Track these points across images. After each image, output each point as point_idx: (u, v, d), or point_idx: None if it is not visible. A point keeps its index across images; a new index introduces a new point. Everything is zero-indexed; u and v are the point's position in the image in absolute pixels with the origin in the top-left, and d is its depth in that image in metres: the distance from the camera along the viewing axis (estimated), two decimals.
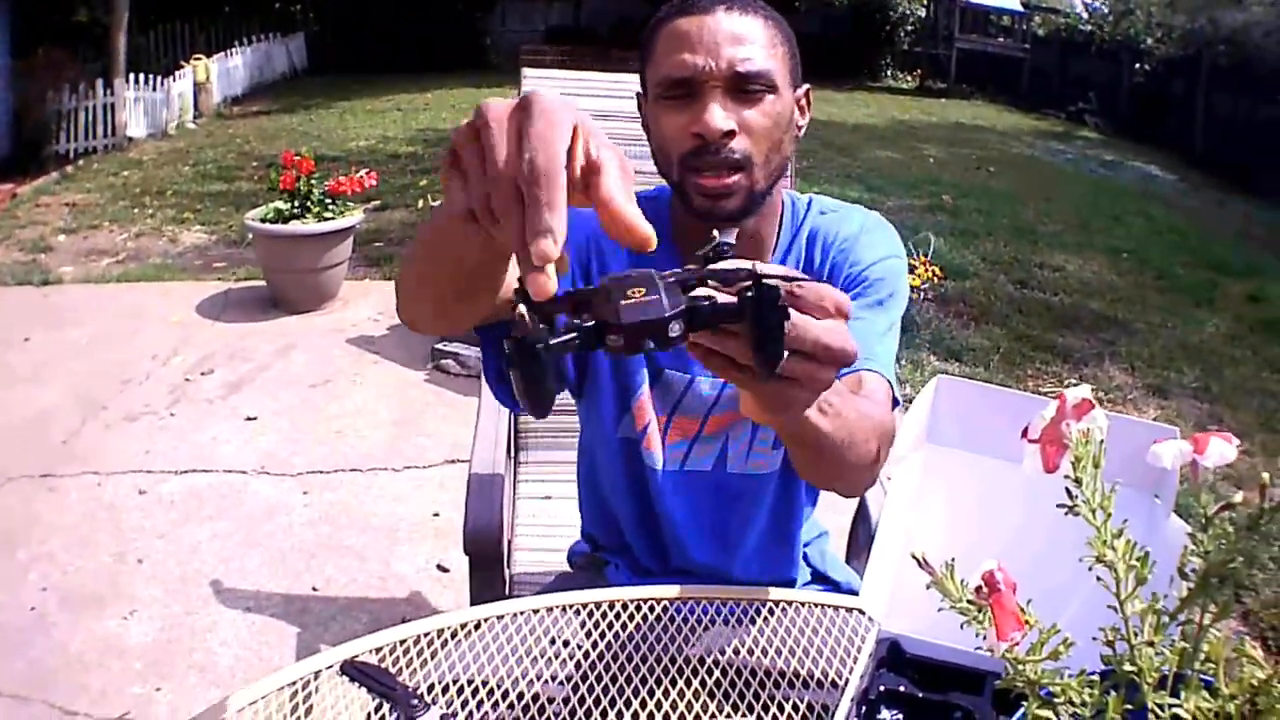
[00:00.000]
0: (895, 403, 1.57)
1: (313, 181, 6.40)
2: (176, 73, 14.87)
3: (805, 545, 1.94)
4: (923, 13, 25.59)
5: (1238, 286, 8.88)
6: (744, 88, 1.49)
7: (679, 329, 0.75)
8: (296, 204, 6.35)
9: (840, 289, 1.63)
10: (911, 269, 6.59)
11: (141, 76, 13.43)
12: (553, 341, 0.72)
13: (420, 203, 9.19)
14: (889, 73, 25.49)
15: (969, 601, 0.81)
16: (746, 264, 0.78)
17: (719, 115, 1.47)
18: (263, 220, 6.36)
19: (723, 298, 0.77)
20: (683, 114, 1.50)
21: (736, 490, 1.77)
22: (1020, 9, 25.13)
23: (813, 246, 1.72)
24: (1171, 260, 9.53)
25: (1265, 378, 6.58)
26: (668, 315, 0.74)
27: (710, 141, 1.47)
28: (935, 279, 6.89)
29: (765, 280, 0.75)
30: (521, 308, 0.74)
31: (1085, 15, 25.40)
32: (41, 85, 12.35)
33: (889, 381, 1.54)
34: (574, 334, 0.73)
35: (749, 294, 0.75)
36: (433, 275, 1.12)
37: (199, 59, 15.71)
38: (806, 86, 1.65)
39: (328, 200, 6.44)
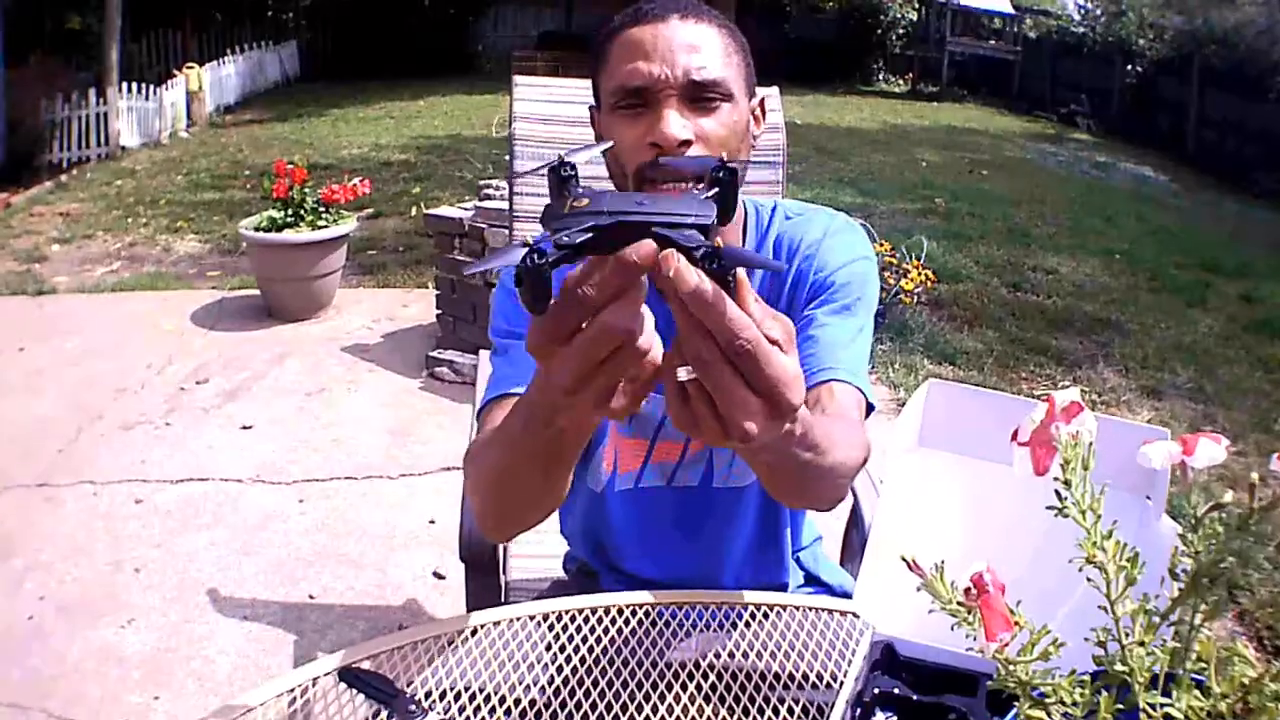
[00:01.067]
0: (870, 408, 1.56)
1: (306, 190, 6.40)
2: (169, 81, 14.86)
3: (801, 549, 1.95)
4: (914, 16, 25.64)
5: (1231, 287, 8.90)
6: (700, 96, 1.48)
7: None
8: (290, 212, 6.35)
9: (807, 295, 1.64)
10: (905, 273, 6.61)
11: (134, 85, 13.43)
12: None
13: (413, 210, 9.21)
14: (881, 76, 25.55)
15: (958, 603, 0.82)
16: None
17: (676, 124, 1.45)
18: (256, 229, 6.36)
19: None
20: (638, 124, 1.48)
21: (723, 502, 1.77)
22: (1011, 11, 25.20)
23: (778, 254, 1.71)
24: (1164, 261, 9.55)
25: (1259, 377, 6.60)
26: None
27: (667, 151, 1.45)
28: (928, 283, 6.89)
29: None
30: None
31: (1078, 17, 25.46)
32: (34, 94, 12.34)
33: (860, 389, 1.54)
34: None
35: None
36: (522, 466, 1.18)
37: (191, 67, 15.71)
38: (762, 96, 1.65)
39: (321, 208, 6.43)
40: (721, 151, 1.48)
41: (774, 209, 1.76)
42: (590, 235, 0.71)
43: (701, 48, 1.49)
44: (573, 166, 0.78)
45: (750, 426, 0.76)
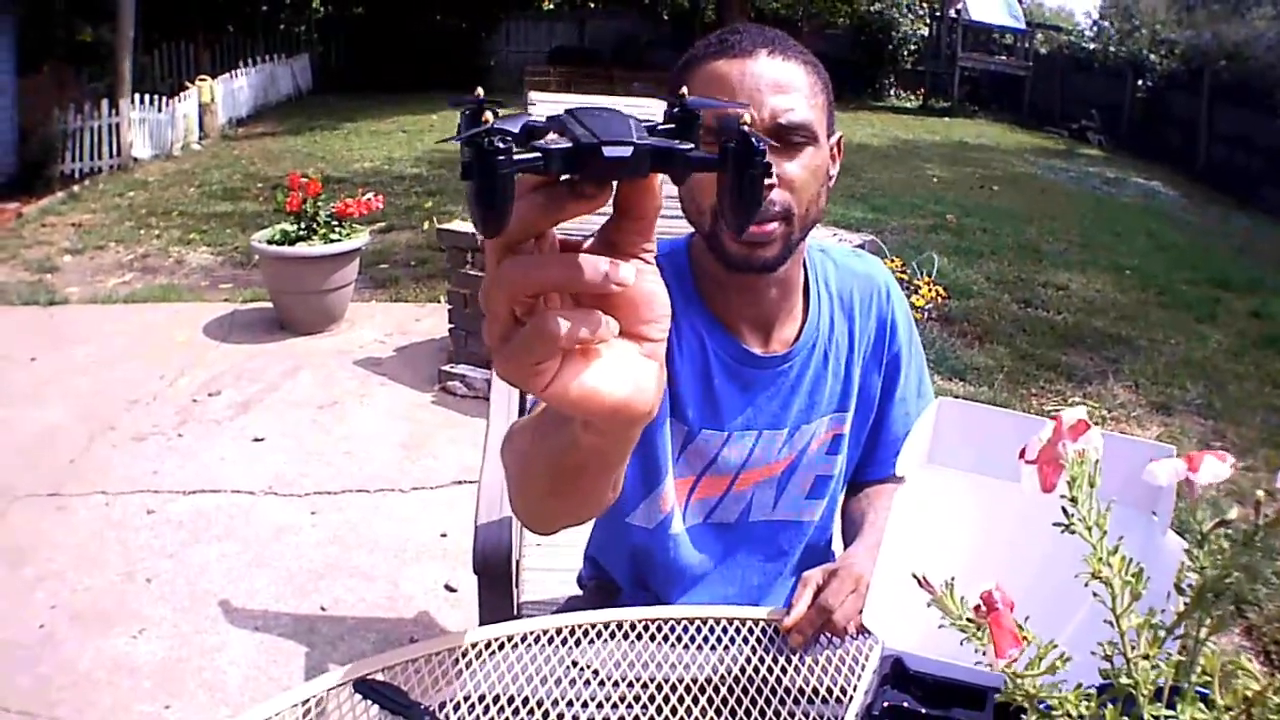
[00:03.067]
0: None
1: (319, 203, 6.41)
2: (182, 93, 14.91)
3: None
4: (925, 32, 25.65)
5: (1240, 302, 8.89)
6: (785, 139, 1.47)
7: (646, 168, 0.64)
8: (303, 226, 6.37)
9: (888, 362, 1.81)
10: (916, 289, 6.61)
11: (147, 97, 13.46)
12: (517, 156, 0.60)
13: (426, 224, 9.21)
14: (892, 92, 25.54)
15: (968, 620, 0.83)
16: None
17: None
18: (269, 242, 6.38)
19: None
20: None
21: (762, 538, 1.78)
22: (1023, 27, 25.17)
23: (847, 303, 1.75)
24: (1174, 277, 9.53)
25: (1268, 393, 6.58)
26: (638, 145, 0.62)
27: None
28: (939, 298, 6.89)
29: (747, 130, 0.65)
30: (489, 114, 0.62)
31: (1090, 33, 25.42)
32: (47, 104, 12.38)
33: None
34: (538, 154, 0.61)
35: (730, 144, 0.66)
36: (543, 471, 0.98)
37: (204, 80, 15.75)
38: (839, 135, 1.62)
39: (334, 222, 6.45)
40: (804, 194, 1.50)
41: (820, 250, 1.79)
42: (540, 158, 0.61)
43: (789, 88, 1.48)
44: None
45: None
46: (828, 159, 1.57)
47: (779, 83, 1.47)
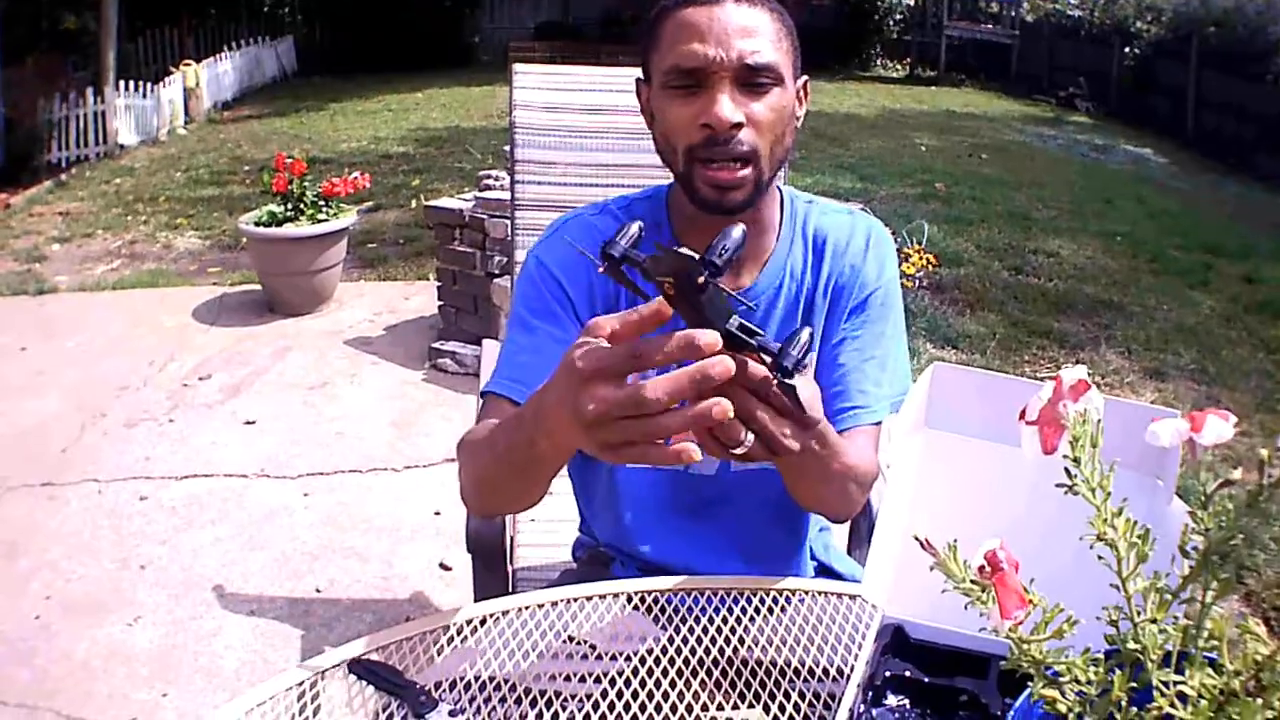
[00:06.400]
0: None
1: (306, 184, 6.39)
2: (166, 79, 14.83)
3: (811, 540, 1.94)
4: (911, 1, 25.56)
5: (1232, 268, 8.88)
6: (752, 80, 1.51)
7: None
8: (290, 207, 6.35)
9: (851, 304, 1.73)
10: (906, 257, 6.60)
11: (131, 83, 13.40)
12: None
13: (413, 202, 9.19)
14: (878, 62, 25.42)
15: (972, 582, 0.82)
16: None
17: (728, 107, 1.49)
18: (256, 224, 6.36)
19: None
20: (690, 104, 1.52)
21: (741, 485, 1.76)
22: None
23: (821, 246, 1.73)
24: (1165, 243, 9.52)
25: (1262, 358, 6.59)
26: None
27: (719, 133, 1.50)
28: (930, 267, 6.89)
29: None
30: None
31: (1076, 0, 25.35)
32: (32, 94, 12.30)
33: (881, 421, 1.64)
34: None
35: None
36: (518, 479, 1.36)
37: (188, 64, 15.67)
38: (805, 78, 1.67)
39: (321, 202, 6.43)
40: (770, 134, 1.55)
41: (807, 200, 1.80)
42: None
43: (756, 32, 1.53)
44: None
45: (791, 444, 1.04)
46: (794, 100, 1.62)
47: (745, 26, 1.52)
